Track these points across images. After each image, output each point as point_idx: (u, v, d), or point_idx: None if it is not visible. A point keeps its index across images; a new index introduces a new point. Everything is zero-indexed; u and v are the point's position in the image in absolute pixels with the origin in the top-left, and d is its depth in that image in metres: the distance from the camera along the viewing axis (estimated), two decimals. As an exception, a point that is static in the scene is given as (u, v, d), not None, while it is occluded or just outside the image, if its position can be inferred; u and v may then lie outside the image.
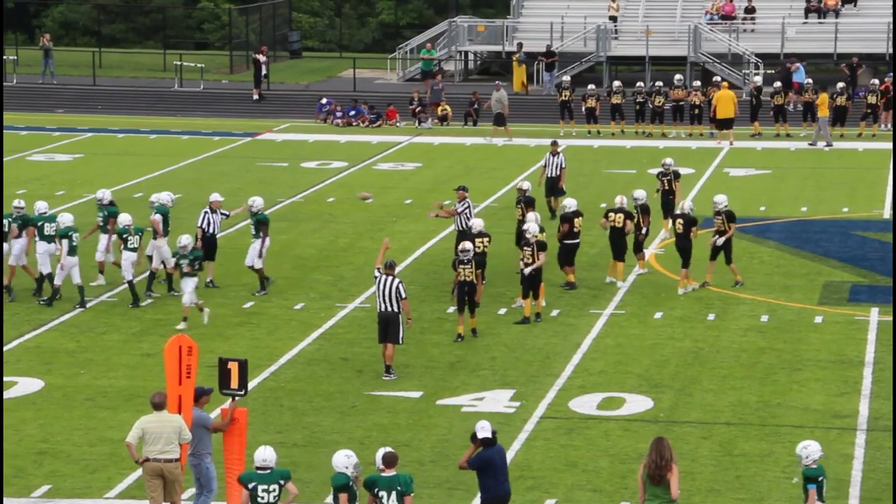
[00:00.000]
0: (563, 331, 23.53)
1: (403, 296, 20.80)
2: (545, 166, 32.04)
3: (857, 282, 26.63)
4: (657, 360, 22.04)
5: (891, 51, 50.26)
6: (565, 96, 43.73)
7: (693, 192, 34.87)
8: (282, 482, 14.61)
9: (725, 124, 41.42)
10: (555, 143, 32.76)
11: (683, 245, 25.56)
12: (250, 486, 14.57)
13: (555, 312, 24.49)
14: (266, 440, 17.43)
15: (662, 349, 22.56)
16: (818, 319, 24.18)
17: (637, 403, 20.09)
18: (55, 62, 53.57)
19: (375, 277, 21.10)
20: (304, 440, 18.22)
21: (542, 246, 23.89)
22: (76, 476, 17.48)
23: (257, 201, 26.20)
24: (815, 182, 36.39)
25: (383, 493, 14.26)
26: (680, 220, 25.68)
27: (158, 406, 15.73)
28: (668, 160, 30.49)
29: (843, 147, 41.15)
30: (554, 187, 31.83)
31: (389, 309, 20.89)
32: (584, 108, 43.18)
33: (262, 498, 14.53)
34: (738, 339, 23.07)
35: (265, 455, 14.65)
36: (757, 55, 50.12)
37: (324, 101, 46.70)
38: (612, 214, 26.32)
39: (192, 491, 16.78)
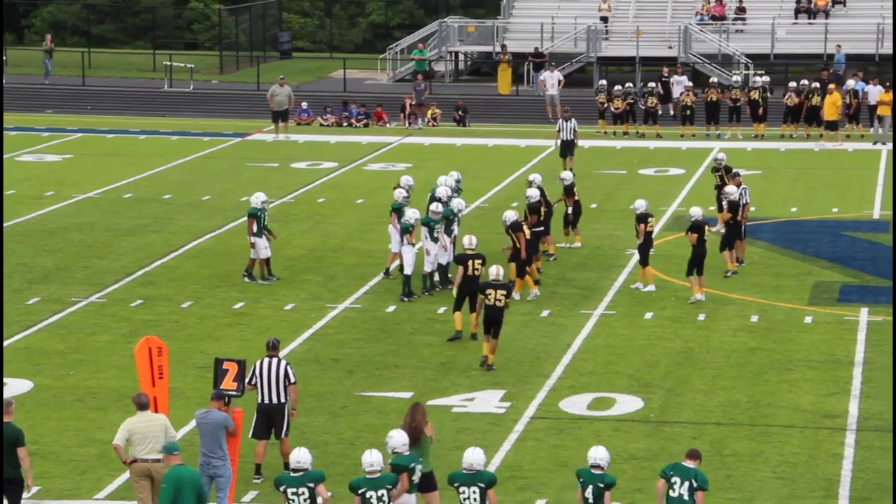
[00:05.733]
0: (554, 331, 23.53)
1: (293, 381, 17.29)
2: (559, 130, 36.54)
3: (847, 282, 26.65)
4: (647, 360, 22.04)
5: (881, 51, 50.34)
6: (652, 102, 43.28)
7: (683, 193, 34.92)
8: (311, 485, 14.35)
9: (831, 126, 41.38)
10: (566, 110, 37.58)
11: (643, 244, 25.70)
12: (281, 488, 14.43)
13: (545, 313, 24.49)
14: (256, 448, 17.41)
15: (653, 349, 22.56)
16: (808, 320, 24.20)
17: (627, 404, 20.09)
18: (39, 61, 53.48)
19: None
20: (295, 441, 18.12)
21: (517, 226, 24.77)
22: (66, 477, 17.44)
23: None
24: (805, 182, 36.44)
25: (371, 493, 14.27)
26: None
27: (143, 406, 15.73)
28: (721, 156, 31.14)
29: (833, 147, 41.20)
30: (568, 149, 36.24)
31: (275, 400, 17.16)
32: (612, 109, 43.36)
33: (293, 501, 14.30)
34: (728, 340, 23.08)
35: (298, 457, 14.44)
36: (747, 56, 50.16)
37: (304, 105, 46.68)
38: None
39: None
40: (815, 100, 42.31)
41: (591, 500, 14.47)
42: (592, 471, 14.52)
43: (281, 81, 44.18)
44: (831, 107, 41.36)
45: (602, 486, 14.46)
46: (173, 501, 14.51)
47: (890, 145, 40.97)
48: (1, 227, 29.91)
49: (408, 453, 14.91)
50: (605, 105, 43.90)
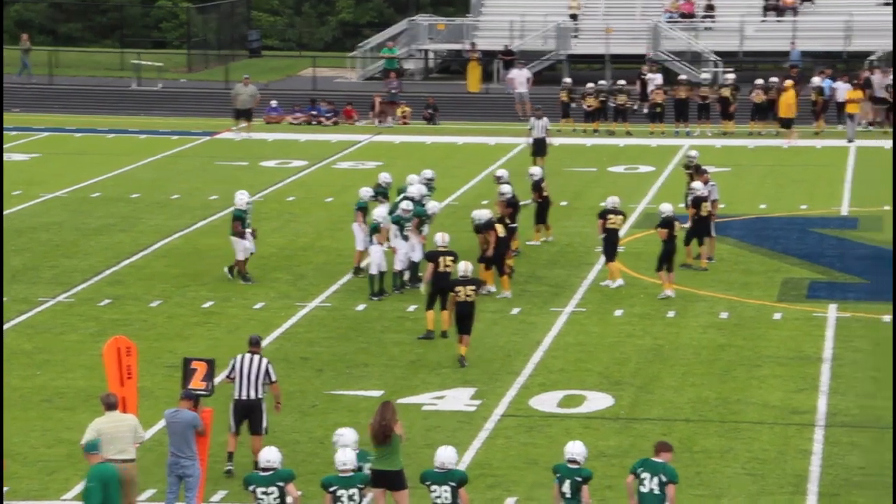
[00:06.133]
0: (524, 329, 23.52)
1: (273, 379, 17.33)
2: (531, 129, 36.76)
3: (816, 279, 26.73)
4: (617, 357, 22.06)
5: (849, 48, 50.57)
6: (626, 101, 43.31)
7: (653, 190, 34.98)
8: (280, 484, 14.31)
9: (786, 123, 41.47)
10: (538, 108, 37.77)
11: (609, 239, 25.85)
12: (250, 488, 14.38)
13: (516, 310, 24.48)
14: (225, 440, 17.37)
15: (623, 347, 22.58)
16: (777, 316, 24.26)
17: (598, 401, 20.10)
18: (16, 60, 53.17)
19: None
20: (265, 440, 18.10)
21: (489, 225, 24.83)
22: (33, 478, 17.33)
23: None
24: (774, 180, 36.55)
25: (343, 492, 14.26)
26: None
27: (111, 406, 15.65)
28: (693, 153, 31.01)
29: (801, 144, 41.33)
30: (540, 147, 36.36)
31: (252, 396, 17.19)
32: (584, 107, 43.41)
33: (262, 500, 14.25)
34: (697, 336, 23.12)
35: (268, 456, 14.41)
36: (716, 53, 50.28)
37: (273, 103, 46.62)
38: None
39: (150, 492, 16.70)
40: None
41: (568, 495, 14.48)
42: (569, 465, 14.53)
43: (245, 81, 44.18)
44: (784, 104, 41.49)
45: (580, 479, 14.47)
46: (104, 499, 14.47)
47: (859, 142, 41.16)
48: (1, 225, 29.72)
49: (357, 451, 14.90)
50: (570, 103, 44.01)
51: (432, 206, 26.62)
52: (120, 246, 29.20)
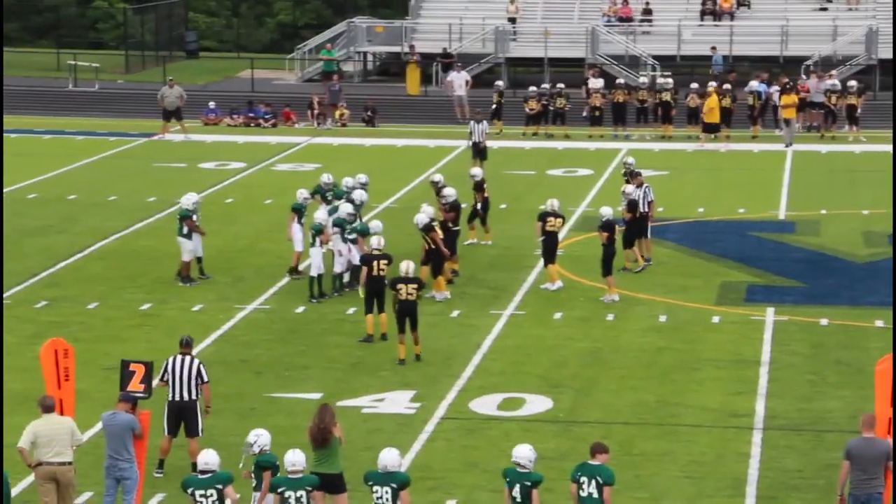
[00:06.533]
0: (464, 331, 23.53)
1: (205, 379, 17.34)
2: (471, 133, 36.75)
3: (753, 282, 26.92)
4: (557, 360, 22.11)
5: (785, 53, 51.01)
6: (662, 97, 43.14)
7: (592, 193, 35.11)
8: (219, 487, 14.27)
9: (709, 128, 41.70)
10: (478, 112, 38.02)
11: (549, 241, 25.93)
12: (188, 490, 14.32)
13: (455, 313, 24.49)
14: (162, 443, 17.26)
15: (562, 350, 22.64)
16: (715, 319, 24.41)
17: (537, 404, 20.14)
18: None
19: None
20: (203, 442, 18.00)
21: (429, 227, 24.80)
22: (-32, 482, 17.11)
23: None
24: (712, 183, 36.79)
25: (290, 493, 14.22)
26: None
27: (48, 409, 15.56)
28: (630, 159, 31.06)
29: (739, 149, 41.64)
30: (479, 150, 36.42)
31: (186, 398, 17.21)
32: (527, 110, 43.46)
33: (200, 503, 14.23)
34: (636, 340, 23.21)
35: (206, 458, 14.38)
36: (654, 57, 50.56)
37: (211, 104, 46.42)
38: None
39: (88, 495, 16.56)
40: (724, 101, 42.69)
41: (518, 500, 14.48)
42: (518, 469, 14.55)
43: (170, 83, 44.12)
44: (707, 108, 41.73)
45: (529, 484, 14.48)
46: None
47: (796, 147, 41.53)
48: (1, 223, 29.33)
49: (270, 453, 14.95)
50: (499, 106, 44.15)
51: (375, 224, 26.40)
52: (57, 248, 28.95)
